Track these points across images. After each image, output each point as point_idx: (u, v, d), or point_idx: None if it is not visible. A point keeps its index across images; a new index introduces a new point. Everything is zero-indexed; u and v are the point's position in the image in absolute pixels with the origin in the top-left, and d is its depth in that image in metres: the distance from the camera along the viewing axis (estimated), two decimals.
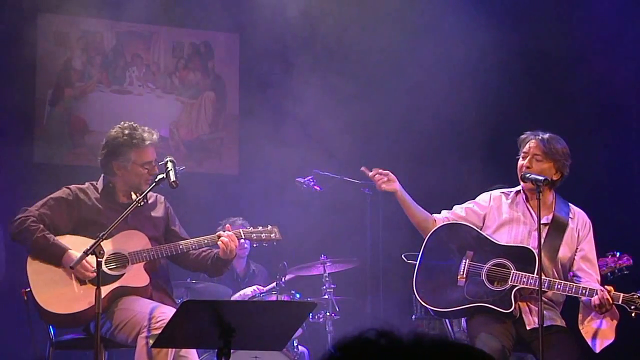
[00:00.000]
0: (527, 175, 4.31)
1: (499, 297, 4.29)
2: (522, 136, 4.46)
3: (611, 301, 4.09)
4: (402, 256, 4.90)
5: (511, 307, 4.24)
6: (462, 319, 4.55)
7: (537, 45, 7.16)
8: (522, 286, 4.25)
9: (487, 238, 4.43)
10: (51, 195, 4.39)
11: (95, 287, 3.89)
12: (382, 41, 7.25)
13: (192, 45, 7.40)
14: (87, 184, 4.49)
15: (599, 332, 4.27)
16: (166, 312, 4.03)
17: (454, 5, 7.07)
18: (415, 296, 4.47)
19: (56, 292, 4.17)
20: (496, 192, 4.57)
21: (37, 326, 4.33)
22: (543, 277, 4.19)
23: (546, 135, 4.40)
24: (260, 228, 4.53)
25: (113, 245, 4.25)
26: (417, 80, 7.06)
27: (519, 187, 4.51)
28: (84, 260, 4.07)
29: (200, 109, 7.40)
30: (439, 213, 4.59)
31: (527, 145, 4.40)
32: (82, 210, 4.36)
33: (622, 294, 4.12)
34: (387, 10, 7.16)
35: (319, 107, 7.07)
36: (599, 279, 4.42)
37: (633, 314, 4.13)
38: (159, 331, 3.94)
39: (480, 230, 4.51)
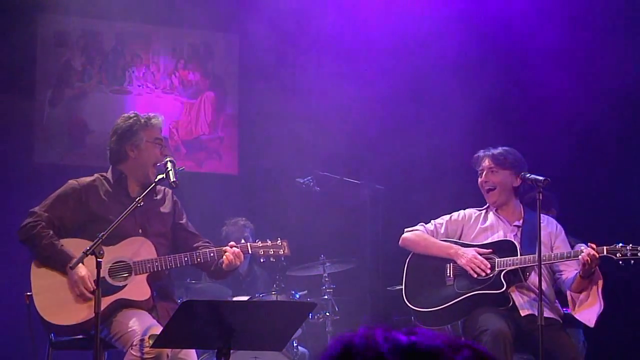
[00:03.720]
0: (527, 175, 4.46)
1: (489, 283, 4.43)
2: (475, 155, 4.76)
3: (597, 255, 4.23)
4: (388, 289, 5.08)
5: (503, 287, 4.39)
6: (459, 323, 4.60)
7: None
8: (509, 268, 4.41)
9: (464, 243, 4.63)
10: (58, 193, 4.34)
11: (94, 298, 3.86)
12: (386, 41, 7.25)
13: (192, 46, 7.40)
14: (96, 175, 4.44)
15: (589, 307, 4.39)
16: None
17: None
18: (407, 304, 4.59)
19: (57, 301, 4.13)
20: (468, 210, 4.80)
21: (37, 326, 4.33)
22: (529, 255, 4.34)
23: (497, 150, 4.70)
24: (269, 242, 4.45)
25: (118, 252, 4.20)
26: (419, 81, 7.07)
27: (486, 204, 4.75)
28: (86, 276, 4.06)
29: (200, 109, 7.40)
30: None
31: (481, 164, 4.71)
32: (90, 206, 4.32)
33: (605, 247, 4.28)
34: (394, 8, 7.15)
35: (318, 107, 7.08)
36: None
37: (620, 262, 4.26)
38: (152, 355, 3.94)
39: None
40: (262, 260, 4.51)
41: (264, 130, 7.12)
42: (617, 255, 4.25)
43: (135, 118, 4.42)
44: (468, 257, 4.47)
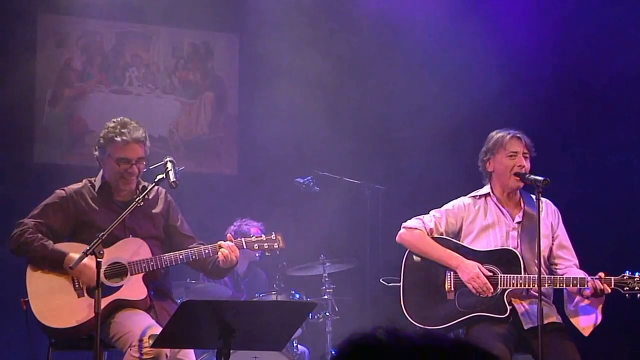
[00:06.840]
0: (527, 176, 4.32)
1: (492, 303, 4.28)
2: (505, 137, 4.43)
3: (604, 289, 4.12)
4: (381, 280, 4.83)
5: (506, 311, 4.25)
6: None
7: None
8: (513, 288, 4.26)
9: (466, 247, 4.42)
10: (45, 202, 4.34)
11: (93, 299, 3.86)
12: (388, 41, 7.24)
13: (192, 46, 7.40)
14: (84, 181, 4.44)
15: (586, 315, 4.28)
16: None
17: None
18: (407, 318, 4.41)
19: (54, 304, 4.13)
20: (467, 199, 4.54)
21: (35, 330, 4.32)
22: (532, 275, 4.20)
23: (520, 132, 4.45)
24: (263, 237, 4.42)
25: (112, 253, 4.18)
26: (420, 80, 7.06)
27: (486, 190, 4.51)
28: (85, 263, 4.05)
29: (200, 109, 7.40)
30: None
31: (513, 145, 4.40)
32: (78, 214, 4.31)
33: (612, 278, 4.15)
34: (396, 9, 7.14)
35: (319, 107, 7.07)
36: (577, 263, 4.44)
37: (627, 295, 4.15)
38: (150, 355, 3.93)
39: (458, 238, 4.50)
40: (257, 255, 4.47)
41: (264, 130, 7.11)
42: (625, 288, 4.13)
43: (110, 130, 4.31)
44: (471, 274, 4.26)
